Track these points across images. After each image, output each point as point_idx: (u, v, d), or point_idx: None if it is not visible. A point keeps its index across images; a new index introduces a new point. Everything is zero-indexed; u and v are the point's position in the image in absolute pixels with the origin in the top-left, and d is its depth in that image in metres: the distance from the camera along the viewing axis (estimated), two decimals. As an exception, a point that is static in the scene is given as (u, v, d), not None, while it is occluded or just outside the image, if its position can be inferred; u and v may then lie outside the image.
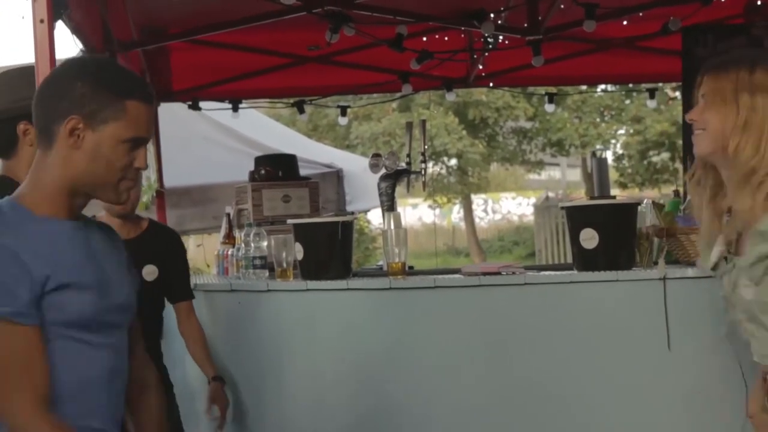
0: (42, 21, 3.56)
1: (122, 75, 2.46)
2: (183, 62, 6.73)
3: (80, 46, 4.89)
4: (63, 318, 2.31)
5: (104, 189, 2.40)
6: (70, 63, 2.51)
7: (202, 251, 8.84)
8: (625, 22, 6.43)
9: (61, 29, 4.13)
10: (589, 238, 3.92)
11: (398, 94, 7.66)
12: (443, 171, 27.25)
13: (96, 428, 2.39)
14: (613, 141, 28.89)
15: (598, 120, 27.57)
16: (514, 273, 4.06)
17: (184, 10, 5.17)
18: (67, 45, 4.71)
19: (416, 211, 31.41)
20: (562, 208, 4.26)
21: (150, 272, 4.20)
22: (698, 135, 2.84)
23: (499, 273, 4.06)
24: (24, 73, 3.44)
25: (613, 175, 24.63)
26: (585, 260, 3.96)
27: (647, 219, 4.13)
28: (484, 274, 4.05)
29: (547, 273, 4.30)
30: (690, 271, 3.76)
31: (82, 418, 2.35)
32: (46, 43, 3.51)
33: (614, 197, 4.87)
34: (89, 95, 2.33)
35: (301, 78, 7.12)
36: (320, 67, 6.93)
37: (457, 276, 4.23)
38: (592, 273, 3.88)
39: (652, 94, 8.01)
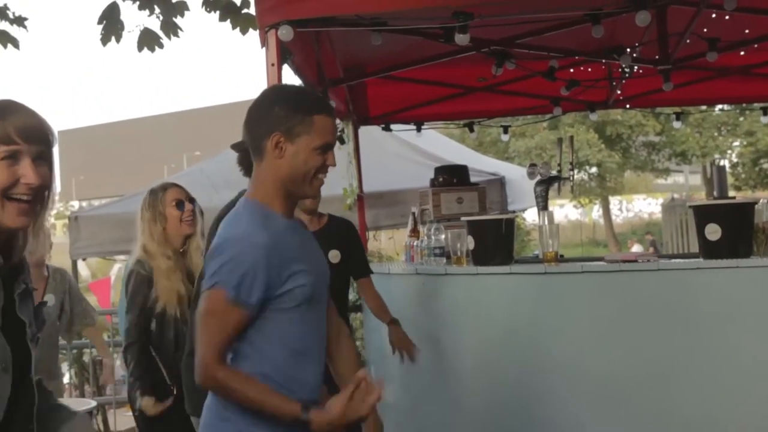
0: (273, 65, 3.64)
1: (308, 96, 2.50)
2: (377, 93, 6.80)
3: (300, 83, 4.98)
4: (292, 300, 2.36)
5: (303, 187, 2.42)
6: (266, 92, 2.56)
7: (393, 243, 8.91)
8: (742, 53, 6.15)
9: (287, 71, 4.22)
10: (713, 232, 3.77)
11: (548, 116, 7.51)
12: (585, 177, 26.82)
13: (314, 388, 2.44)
14: (729, 151, 27.90)
15: (716, 134, 26.70)
16: (649, 261, 3.93)
17: (379, 53, 5.20)
18: (292, 83, 4.79)
19: (563, 210, 30.98)
20: (690, 207, 4.10)
21: (334, 255, 4.21)
22: None
23: (636, 261, 3.94)
24: None
25: (729, 179, 23.68)
26: (709, 250, 3.81)
27: (763, 215, 3.93)
28: (624, 261, 3.94)
29: (677, 261, 4.16)
30: (802, 260, 3.56)
31: (303, 385, 2.40)
32: (275, 82, 3.59)
33: (734, 197, 4.66)
34: (285, 115, 2.37)
35: (471, 104, 7.07)
36: (486, 95, 6.87)
37: (601, 263, 4.14)
38: (716, 261, 3.73)
39: (765, 111, 7.58)
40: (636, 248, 21.37)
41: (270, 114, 2.40)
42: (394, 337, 4.32)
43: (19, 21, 6.20)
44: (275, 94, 2.55)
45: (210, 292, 2.33)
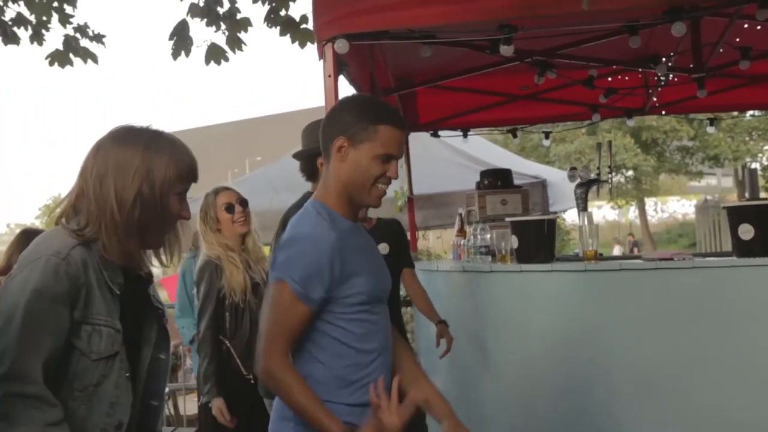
0: (330, 76, 3.68)
1: (377, 106, 2.44)
2: (427, 102, 6.82)
3: (355, 93, 5.02)
4: (355, 299, 2.32)
5: (362, 193, 2.39)
6: (342, 100, 2.57)
7: (441, 242, 8.92)
8: (774, 60, 6.05)
9: (343, 82, 4.25)
10: (746, 231, 3.72)
11: (587, 122, 7.45)
12: (622, 180, 26.54)
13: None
14: (760, 155, 27.43)
15: (747, 139, 26.25)
16: (684, 259, 3.89)
17: (428, 64, 5.22)
18: (348, 93, 4.83)
19: (600, 211, 30.67)
20: (724, 208, 4.05)
21: (383, 248, 4.16)
22: None
23: (672, 258, 3.90)
24: (318, 123, 3.59)
25: (760, 181, 23.29)
26: (742, 249, 3.76)
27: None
28: (660, 259, 3.90)
29: (711, 259, 4.11)
30: (833, 258, 3.49)
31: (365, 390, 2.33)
32: (332, 92, 3.63)
33: (766, 199, 4.58)
34: (351, 121, 2.36)
35: (515, 111, 7.06)
36: (529, 102, 6.85)
37: (638, 261, 4.10)
38: (749, 259, 3.67)
39: (796, 117, 7.45)
40: (617, 250, 21.14)
41: (339, 119, 2.39)
42: (441, 333, 4.33)
43: (98, 38, 6.33)
44: (348, 101, 2.52)
45: (276, 284, 2.30)
